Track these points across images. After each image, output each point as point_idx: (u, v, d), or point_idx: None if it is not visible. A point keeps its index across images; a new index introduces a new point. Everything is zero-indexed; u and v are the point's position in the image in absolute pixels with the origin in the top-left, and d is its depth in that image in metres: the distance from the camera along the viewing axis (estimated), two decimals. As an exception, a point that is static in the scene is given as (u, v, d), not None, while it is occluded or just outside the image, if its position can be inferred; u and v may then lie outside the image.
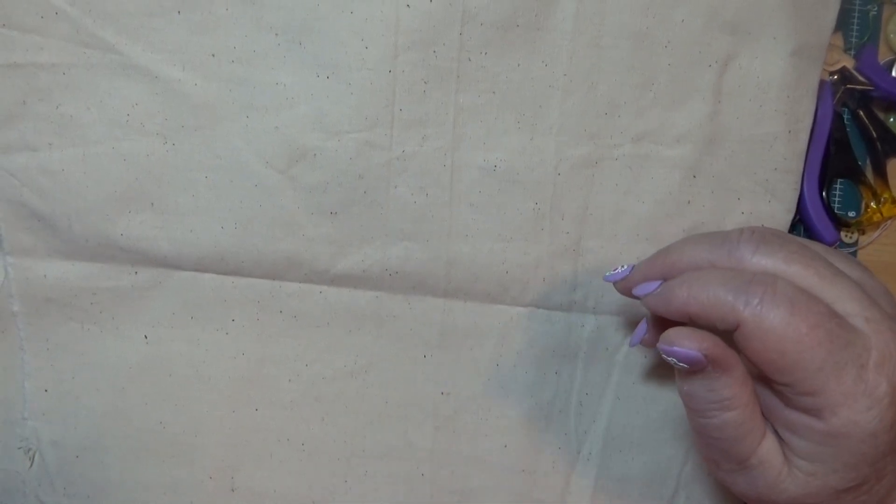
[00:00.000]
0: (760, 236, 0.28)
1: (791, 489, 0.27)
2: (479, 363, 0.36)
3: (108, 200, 0.34)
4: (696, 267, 0.28)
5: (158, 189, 0.34)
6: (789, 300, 0.25)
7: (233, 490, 0.36)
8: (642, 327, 0.31)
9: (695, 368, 0.27)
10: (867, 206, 0.38)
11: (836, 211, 0.38)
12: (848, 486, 0.26)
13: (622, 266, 0.31)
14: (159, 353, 0.35)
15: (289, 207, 0.34)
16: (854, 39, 0.37)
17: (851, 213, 0.38)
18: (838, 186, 0.38)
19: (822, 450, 0.26)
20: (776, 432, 0.28)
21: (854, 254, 0.38)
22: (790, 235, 0.29)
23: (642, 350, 0.36)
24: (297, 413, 0.36)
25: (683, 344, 0.26)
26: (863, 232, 0.38)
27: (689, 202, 0.35)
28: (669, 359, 0.27)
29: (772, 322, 0.25)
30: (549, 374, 0.36)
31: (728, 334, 0.27)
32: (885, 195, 0.37)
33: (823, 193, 0.37)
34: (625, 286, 0.31)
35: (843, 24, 0.37)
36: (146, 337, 0.35)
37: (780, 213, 0.36)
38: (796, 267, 0.27)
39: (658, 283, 0.29)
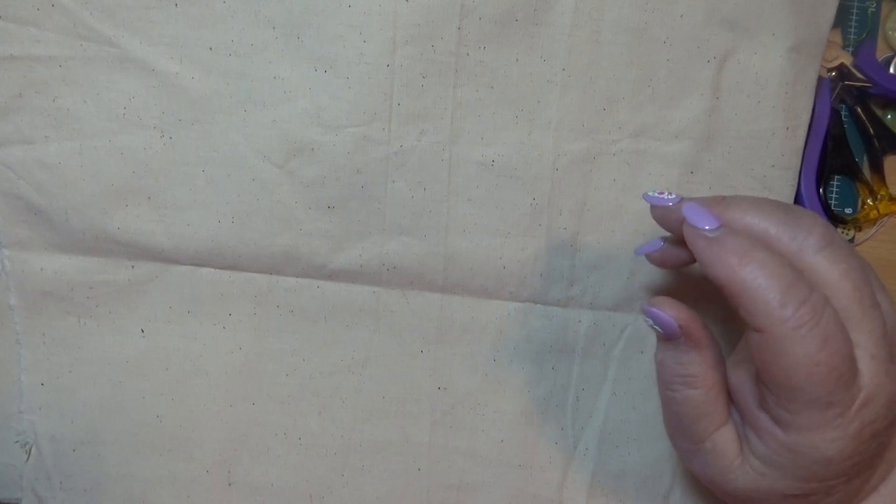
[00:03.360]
0: (831, 237, 0.26)
1: (740, 482, 0.28)
2: (476, 358, 0.36)
3: (104, 194, 0.34)
4: (750, 232, 0.27)
5: (155, 183, 0.34)
6: (824, 338, 0.24)
7: (230, 484, 0.36)
8: (657, 242, 0.31)
9: (669, 335, 0.28)
10: (864, 202, 0.38)
11: (832, 207, 0.38)
12: (794, 493, 0.27)
13: (668, 192, 0.29)
14: (156, 347, 0.35)
15: (286, 202, 0.34)
16: (852, 36, 0.37)
17: (848, 210, 0.38)
18: (835, 183, 0.38)
19: (777, 458, 0.26)
20: (740, 427, 0.28)
21: (851, 250, 0.38)
22: (852, 247, 0.28)
23: (639, 346, 0.36)
24: (294, 407, 0.36)
25: (665, 310, 0.28)
26: (859, 229, 0.38)
27: (686, 198, 0.35)
28: (648, 319, 0.29)
29: (796, 349, 0.24)
30: (545, 370, 0.36)
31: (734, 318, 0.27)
32: (882, 192, 0.37)
33: (820, 190, 0.37)
34: (667, 214, 0.29)
35: (841, 20, 0.37)
36: (143, 331, 0.35)
37: (778, 210, 0.36)
38: (848, 286, 0.26)
39: (717, 223, 0.26)
